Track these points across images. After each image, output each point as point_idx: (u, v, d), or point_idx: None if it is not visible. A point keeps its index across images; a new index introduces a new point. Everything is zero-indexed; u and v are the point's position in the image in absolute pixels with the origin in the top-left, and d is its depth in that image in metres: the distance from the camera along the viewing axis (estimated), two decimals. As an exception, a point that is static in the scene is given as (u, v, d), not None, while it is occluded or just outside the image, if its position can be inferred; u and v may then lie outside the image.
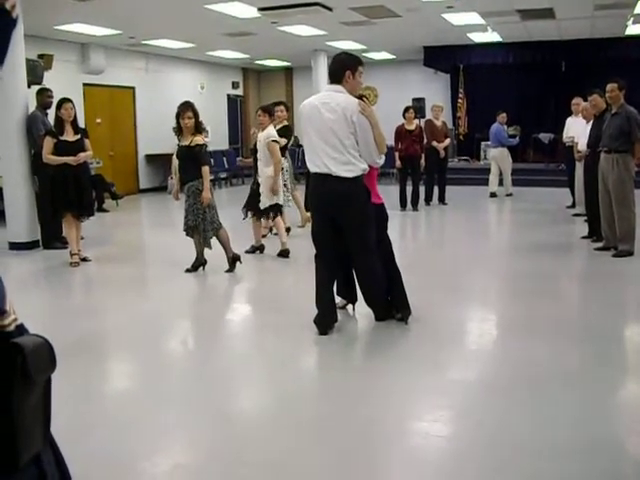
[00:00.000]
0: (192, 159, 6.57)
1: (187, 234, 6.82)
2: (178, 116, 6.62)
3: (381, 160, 4.70)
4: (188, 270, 6.86)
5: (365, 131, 4.51)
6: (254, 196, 7.60)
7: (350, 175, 4.52)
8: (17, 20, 0.92)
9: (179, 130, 6.68)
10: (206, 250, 6.86)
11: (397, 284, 4.93)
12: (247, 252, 7.62)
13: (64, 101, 7.29)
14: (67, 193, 7.22)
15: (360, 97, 4.67)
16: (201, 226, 6.65)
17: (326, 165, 4.54)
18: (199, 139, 6.60)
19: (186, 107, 6.60)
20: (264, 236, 8.23)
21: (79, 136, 7.38)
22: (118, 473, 2.90)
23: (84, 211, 7.43)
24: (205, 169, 6.59)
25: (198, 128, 6.65)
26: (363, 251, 4.69)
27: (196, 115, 6.61)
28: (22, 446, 0.88)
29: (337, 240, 4.72)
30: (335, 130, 4.50)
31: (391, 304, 4.97)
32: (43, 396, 0.99)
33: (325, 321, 4.75)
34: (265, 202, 7.46)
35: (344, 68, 4.62)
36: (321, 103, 4.59)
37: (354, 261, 4.81)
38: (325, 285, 4.78)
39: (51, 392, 1.00)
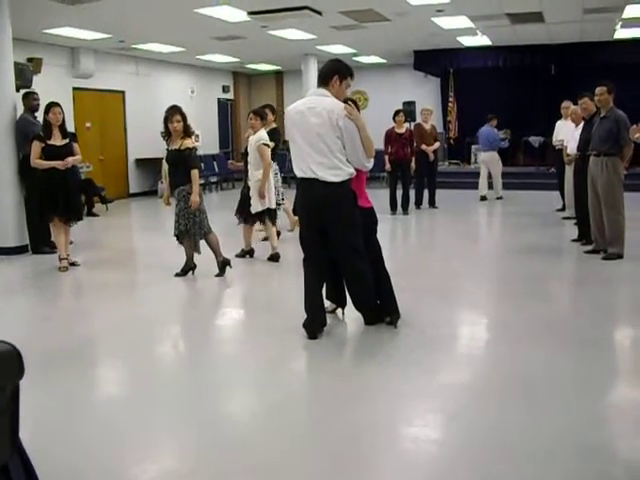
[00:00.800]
0: (182, 163, 6.54)
1: (178, 239, 6.79)
2: (166, 120, 6.59)
3: (370, 164, 4.68)
4: (178, 274, 6.83)
5: (352, 135, 4.50)
6: (245, 200, 7.58)
7: (337, 179, 4.51)
8: None
9: (167, 134, 6.66)
10: (196, 254, 6.83)
11: (386, 288, 4.92)
12: (237, 256, 7.60)
13: (52, 105, 7.26)
14: (55, 197, 7.19)
15: (345, 101, 4.66)
16: (192, 230, 6.63)
17: (312, 170, 4.53)
18: (189, 142, 6.58)
19: (174, 111, 6.57)
20: (265, 239, 8.14)
21: (67, 140, 7.35)
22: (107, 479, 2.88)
23: (72, 215, 7.40)
24: (195, 173, 6.55)
25: (187, 131, 6.62)
26: (350, 254, 4.68)
27: (184, 118, 6.58)
28: None
29: (325, 244, 4.71)
30: (321, 134, 4.49)
31: (380, 308, 4.96)
32: (10, 404, 0.96)
33: (314, 325, 4.74)
34: (256, 206, 7.44)
35: (333, 72, 4.62)
36: (307, 108, 4.58)
37: (341, 265, 4.79)
38: (314, 289, 4.77)
39: (19, 401, 0.97)
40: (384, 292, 4.92)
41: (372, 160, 4.69)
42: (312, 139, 4.51)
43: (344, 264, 4.77)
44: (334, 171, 4.50)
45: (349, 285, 4.89)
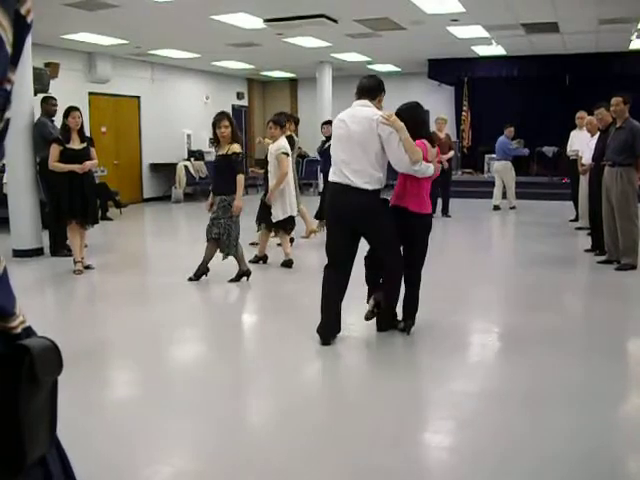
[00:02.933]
0: (228, 168, 6.59)
1: (208, 240, 6.79)
2: (214, 126, 6.64)
3: (418, 167, 4.65)
4: (191, 279, 6.86)
5: (390, 140, 4.58)
6: (265, 208, 7.63)
7: (369, 187, 4.60)
8: (32, 25, 0.92)
9: (216, 140, 6.71)
10: (212, 260, 6.83)
11: (414, 291, 4.97)
12: (251, 262, 7.62)
13: (72, 109, 7.32)
14: (72, 201, 7.24)
15: None
16: (226, 242, 6.64)
17: (347, 176, 4.62)
18: (236, 147, 6.63)
19: (222, 116, 6.63)
20: (280, 245, 8.15)
21: (85, 144, 7.42)
22: (119, 480, 2.90)
23: (89, 219, 7.44)
24: (240, 178, 6.61)
25: (235, 137, 6.67)
26: (387, 253, 4.76)
27: (232, 124, 6.64)
28: (28, 448, 0.87)
29: (351, 252, 4.78)
30: (360, 142, 4.60)
31: (395, 312, 4.96)
32: (49, 399, 0.98)
33: (328, 331, 4.75)
34: (278, 215, 7.48)
35: (382, 90, 4.94)
36: (349, 116, 4.73)
37: (382, 259, 4.86)
38: (333, 296, 4.78)
39: (57, 395, 1.00)
40: (410, 294, 4.97)
41: (422, 164, 4.69)
42: (350, 147, 4.63)
43: (384, 259, 4.85)
44: (367, 179, 4.59)
45: (384, 276, 4.94)
